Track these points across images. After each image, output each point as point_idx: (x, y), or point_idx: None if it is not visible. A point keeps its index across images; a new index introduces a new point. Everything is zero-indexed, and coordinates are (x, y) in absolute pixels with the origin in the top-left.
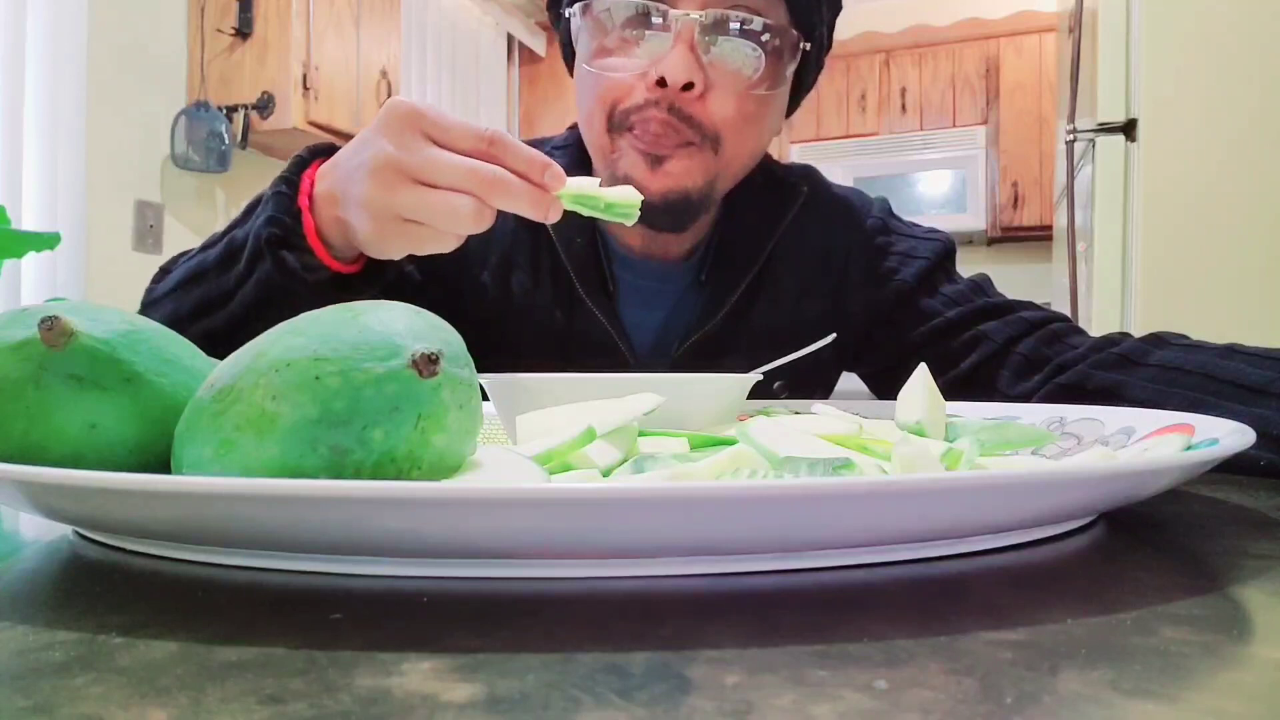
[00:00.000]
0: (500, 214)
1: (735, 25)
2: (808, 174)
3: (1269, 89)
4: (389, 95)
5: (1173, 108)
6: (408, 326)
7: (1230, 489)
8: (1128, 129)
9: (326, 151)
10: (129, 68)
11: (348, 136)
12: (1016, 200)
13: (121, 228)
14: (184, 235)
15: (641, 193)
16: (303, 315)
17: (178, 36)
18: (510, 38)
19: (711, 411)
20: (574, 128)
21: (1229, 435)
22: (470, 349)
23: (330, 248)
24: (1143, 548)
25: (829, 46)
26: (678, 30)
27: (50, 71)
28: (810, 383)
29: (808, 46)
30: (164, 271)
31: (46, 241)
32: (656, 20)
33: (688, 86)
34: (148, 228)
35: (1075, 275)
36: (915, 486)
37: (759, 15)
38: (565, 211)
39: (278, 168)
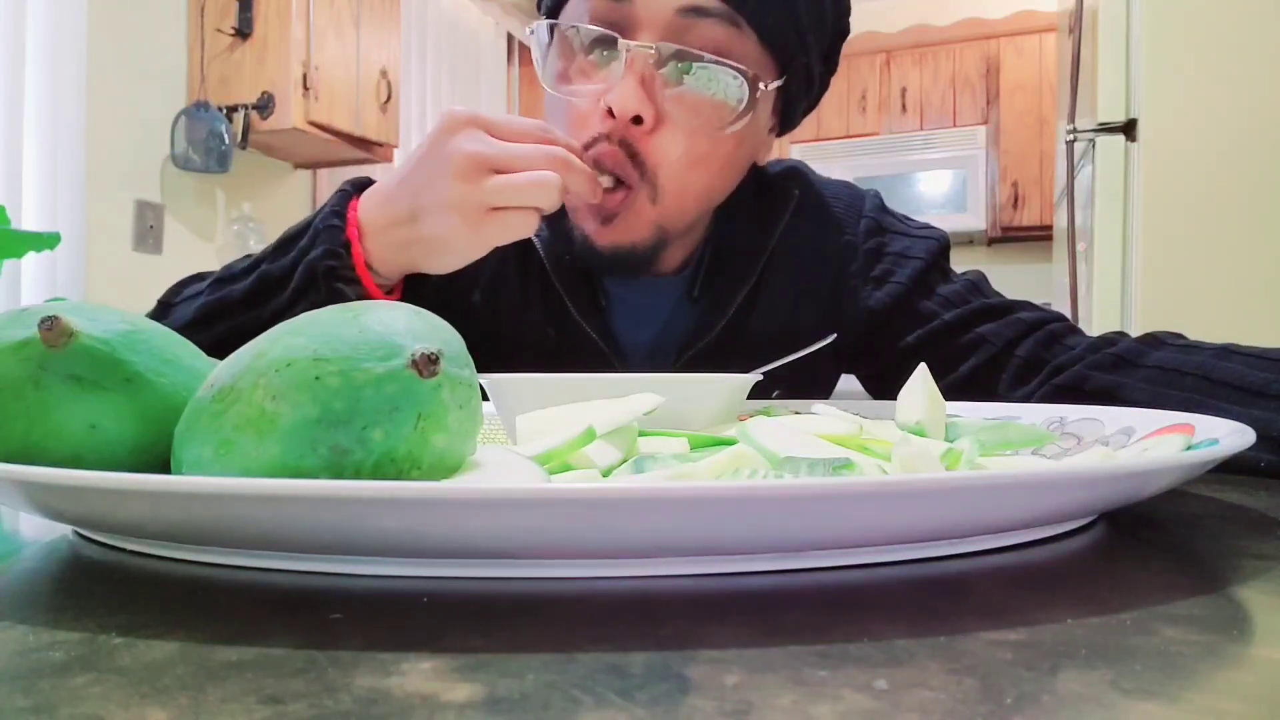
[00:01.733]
0: None
1: (691, 61)
2: (796, 174)
3: (1269, 89)
4: (389, 95)
5: (1173, 108)
6: (408, 326)
7: (1230, 489)
8: (1128, 129)
9: (366, 185)
10: (129, 68)
11: (348, 136)
12: (1016, 200)
13: (121, 228)
14: (184, 235)
15: (592, 245)
16: (302, 315)
17: (178, 36)
18: (510, 38)
19: (711, 411)
20: None
21: (1229, 435)
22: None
23: (376, 277)
24: (1143, 548)
25: (834, 68)
26: (628, 60)
27: (50, 71)
28: (808, 386)
29: (768, 86)
30: (164, 305)
31: (46, 241)
32: (612, 49)
33: (637, 120)
34: (148, 228)
35: (1075, 275)
36: (915, 486)
37: (721, 50)
38: (552, 230)
39: (278, 168)
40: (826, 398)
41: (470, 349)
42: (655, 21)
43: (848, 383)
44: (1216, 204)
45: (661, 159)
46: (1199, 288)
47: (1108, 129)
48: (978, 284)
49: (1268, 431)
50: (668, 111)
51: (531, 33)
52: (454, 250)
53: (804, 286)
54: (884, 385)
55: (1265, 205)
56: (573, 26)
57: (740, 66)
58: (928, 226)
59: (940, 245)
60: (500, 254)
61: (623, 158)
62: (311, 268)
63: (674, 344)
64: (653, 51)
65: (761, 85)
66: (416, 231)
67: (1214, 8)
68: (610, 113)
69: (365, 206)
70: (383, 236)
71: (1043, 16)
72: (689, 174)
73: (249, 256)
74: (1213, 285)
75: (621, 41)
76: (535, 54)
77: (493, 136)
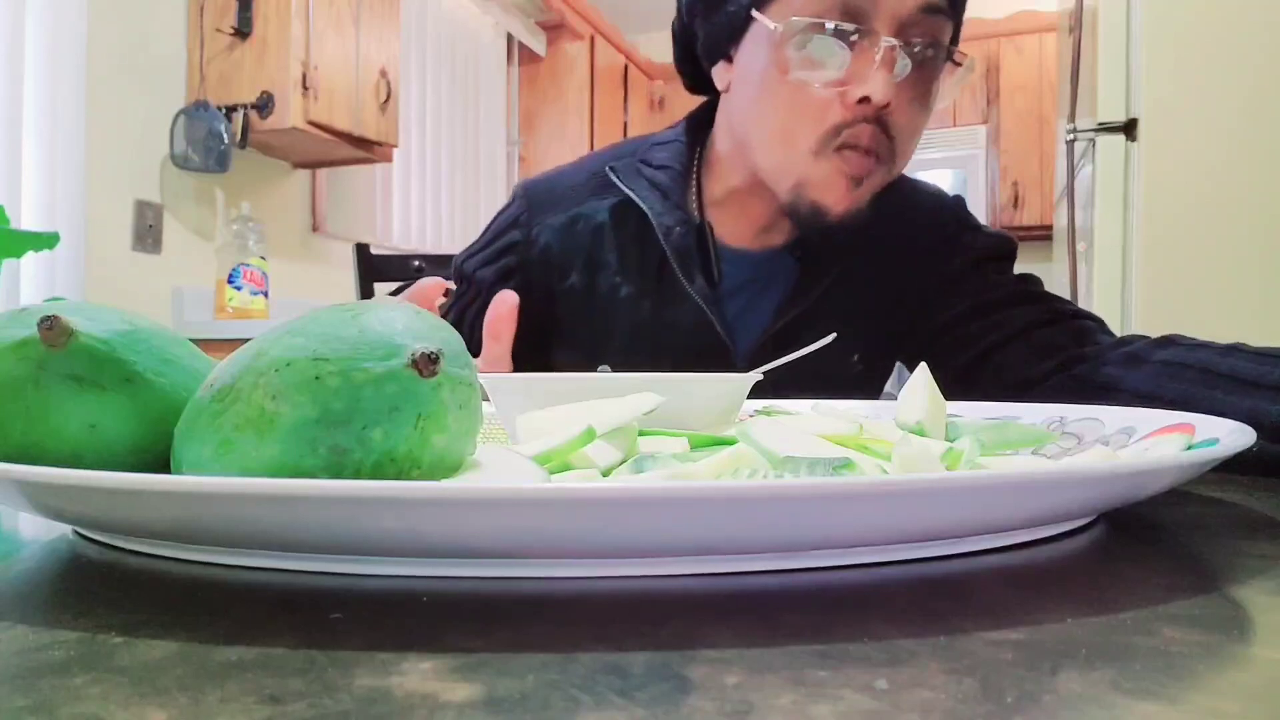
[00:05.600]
0: (583, 218)
1: (922, 51)
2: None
3: (1269, 89)
4: (388, 95)
5: (1173, 108)
6: (407, 326)
7: (1230, 489)
8: (1128, 129)
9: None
10: (129, 68)
11: (347, 136)
12: (1016, 200)
13: (121, 228)
14: (183, 235)
15: (823, 216)
16: (302, 315)
17: (177, 36)
18: (510, 38)
19: (711, 411)
20: (678, 126)
21: (1229, 435)
22: (564, 346)
23: None
24: (1143, 548)
25: None
26: (881, 55)
27: (50, 71)
28: (874, 379)
29: (971, 64)
30: None
31: (45, 241)
32: (862, 40)
33: (883, 106)
34: (147, 228)
35: (1075, 275)
36: (915, 486)
37: (939, 40)
38: (666, 203)
39: (277, 167)
40: (875, 396)
41: (572, 328)
42: (898, 15)
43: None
44: (1216, 204)
45: (906, 137)
46: (1199, 288)
47: (1108, 129)
48: (1028, 279)
49: (1262, 420)
50: (909, 95)
51: (766, 23)
52: None
53: (892, 268)
54: (917, 361)
55: (1265, 205)
56: (824, 23)
57: (947, 48)
58: (1001, 232)
59: (1008, 246)
60: (592, 235)
61: (880, 134)
62: None
63: (768, 309)
64: (906, 47)
65: (972, 67)
66: None
67: (1214, 8)
68: (861, 100)
69: None
70: None
71: (1043, 16)
72: (911, 148)
73: None
74: (1213, 285)
75: (884, 39)
76: (764, 40)
77: None
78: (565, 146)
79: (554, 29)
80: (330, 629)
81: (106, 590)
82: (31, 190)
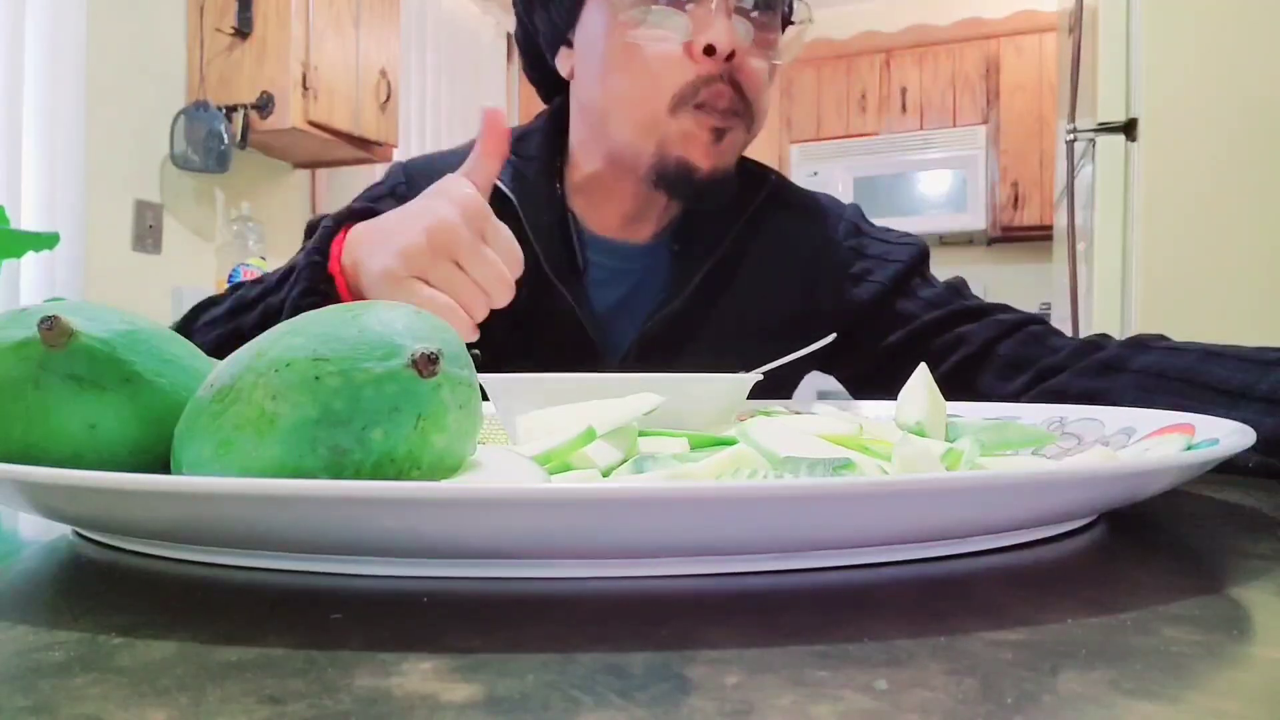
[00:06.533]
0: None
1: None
2: (773, 171)
3: (1269, 89)
4: (388, 95)
5: (1173, 108)
6: (407, 326)
7: (1230, 489)
8: (1128, 129)
9: (352, 216)
10: (128, 67)
11: (347, 136)
12: (1016, 200)
13: (120, 227)
14: (183, 235)
15: (690, 173)
16: (302, 315)
17: (177, 36)
18: (510, 38)
19: (711, 412)
20: (542, 115)
21: (1229, 435)
22: None
23: None
24: (1143, 548)
25: None
26: (718, 3)
27: (50, 71)
28: (775, 382)
29: (809, 17)
30: (186, 321)
31: (45, 241)
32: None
33: (729, 56)
34: (147, 228)
35: (1075, 275)
36: (915, 486)
37: None
38: (531, 192)
39: (277, 167)
40: (788, 398)
41: None
42: None
43: (822, 382)
44: (1216, 204)
45: (756, 88)
46: (1199, 288)
47: (1108, 129)
48: (958, 288)
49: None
50: (754, 43)
51: None
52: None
53: (779, 275)
54: (864, 385)
55: (1265, 205)
56: None
57: (802, 5)
58: (907, 235)
59: (920, 251)
60: None
61: (735, 94)
62: (296, 305)
63: (645, 308)
64: None
65: (810, 20)
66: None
67: (1214, 8)
68: (706, 51)
69: (356, 244)
70: (350, 277)
71: (1043, 16)
72: (765, 104)
73: (259, 282)
74: (1213, 285)
75: None
76: (601, 6)
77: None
78: None
79: None
80: (330, 629)
81: (106, 590)
82: (31, 190)
